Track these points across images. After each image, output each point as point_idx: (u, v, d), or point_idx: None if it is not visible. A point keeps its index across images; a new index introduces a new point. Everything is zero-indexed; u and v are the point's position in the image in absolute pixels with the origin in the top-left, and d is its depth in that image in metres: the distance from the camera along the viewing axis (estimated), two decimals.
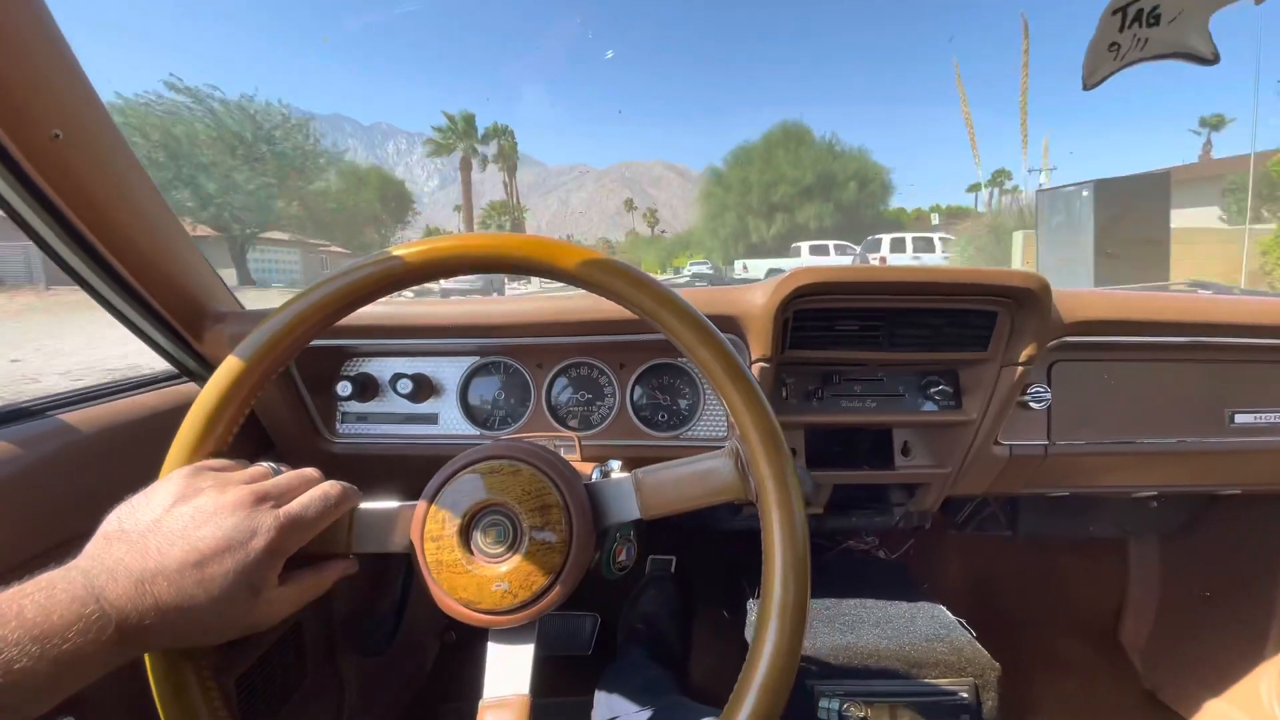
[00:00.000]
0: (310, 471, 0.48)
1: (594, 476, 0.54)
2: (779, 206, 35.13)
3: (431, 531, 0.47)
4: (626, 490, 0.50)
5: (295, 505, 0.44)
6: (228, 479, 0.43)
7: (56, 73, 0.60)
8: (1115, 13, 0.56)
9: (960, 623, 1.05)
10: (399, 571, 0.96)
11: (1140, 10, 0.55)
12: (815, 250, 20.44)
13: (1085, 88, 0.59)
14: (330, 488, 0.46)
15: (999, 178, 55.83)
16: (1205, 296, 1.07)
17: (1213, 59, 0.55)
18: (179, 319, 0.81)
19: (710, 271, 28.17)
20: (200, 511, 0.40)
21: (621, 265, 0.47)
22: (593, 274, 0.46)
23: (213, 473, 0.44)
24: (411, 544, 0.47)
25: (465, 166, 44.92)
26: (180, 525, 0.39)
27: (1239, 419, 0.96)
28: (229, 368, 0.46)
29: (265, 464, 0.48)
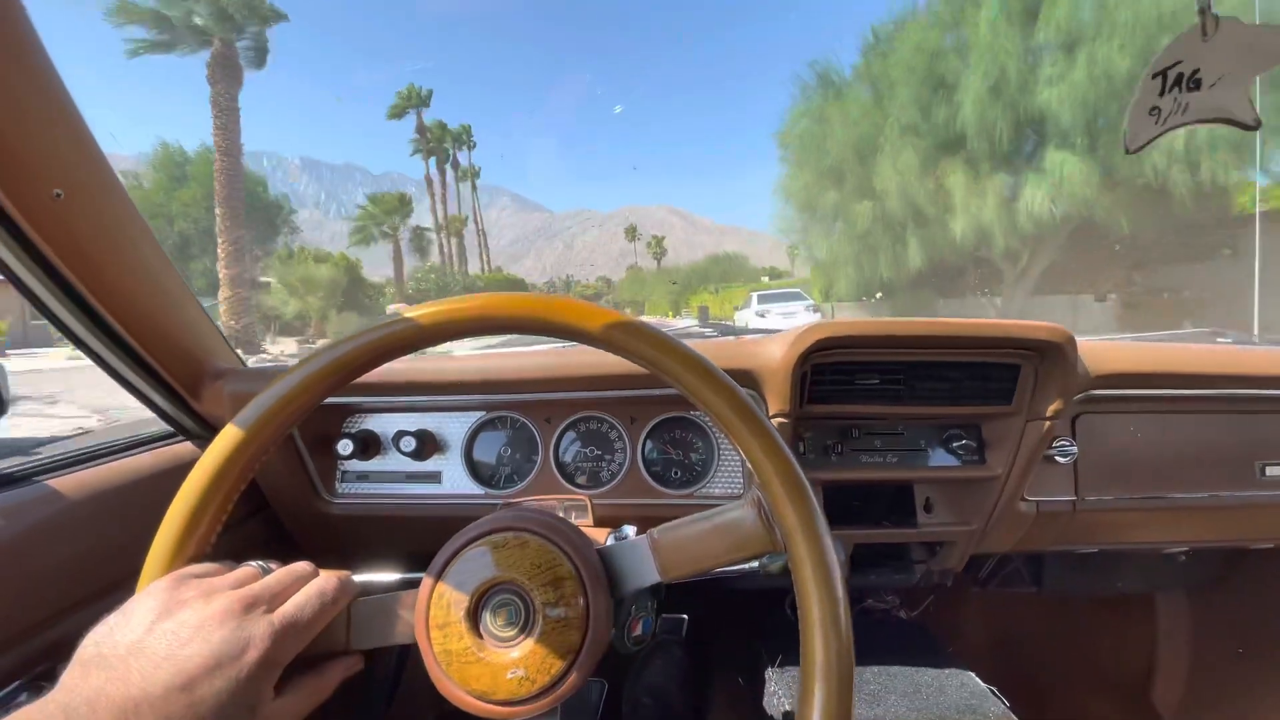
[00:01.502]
0: (302, 566, 0.45)
1: (608, 543, 0.50)
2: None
3: (437, 618, 0.43)
4: (643, 552, 0.46)
5: (290, 607, 0.40)
6: (213, 586, 0.40)
7: (60, 131, 0.59)
8: (1155, 76, 0.56)
9: (992, 691, 0.99)
10: (390, 653, 0.91)
11: (1180, 75, 0.55)
12: None
13: (1128, 152, 0.59)
14: (325, 583, 0.43)
15: None
16: (1229, 347, 1.05)
17: (1254, 125, 0.54)
18: (177, 378, 0.78)
19: (816, 314, 11.25)
20: (185, 627, 0.36)
21: (620, 316, 0.45)
22: (589, 327, 0.44)
23: (196, 580, 0.40)
24: (415, 635, 0.44)
25: (222, 69, 16.33)
26: (164, 645, 0.35)
27: (1270, 471, 0.93)
28: (211, 457, 0.43)
29: (253, 564, 0.45)
